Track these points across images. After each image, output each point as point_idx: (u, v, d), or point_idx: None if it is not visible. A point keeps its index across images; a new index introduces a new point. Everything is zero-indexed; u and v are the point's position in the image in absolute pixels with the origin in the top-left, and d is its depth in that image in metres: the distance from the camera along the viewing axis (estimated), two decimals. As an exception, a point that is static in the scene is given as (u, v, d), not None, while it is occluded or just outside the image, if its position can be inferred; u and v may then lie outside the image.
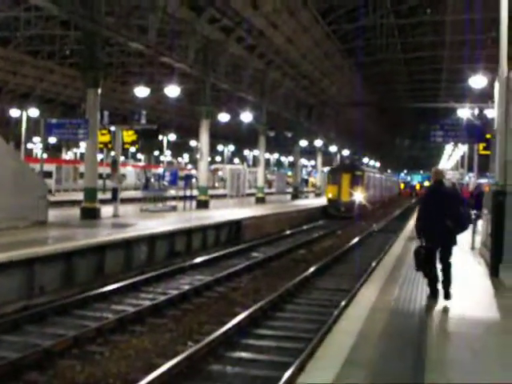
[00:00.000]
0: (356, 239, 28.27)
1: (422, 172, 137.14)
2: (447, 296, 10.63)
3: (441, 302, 10.67)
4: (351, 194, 42.95)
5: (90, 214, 24.03)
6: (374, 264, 19.20)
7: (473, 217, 17.88)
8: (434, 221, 10.55)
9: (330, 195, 44.16)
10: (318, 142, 62.86)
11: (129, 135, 27.26)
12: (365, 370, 6.82)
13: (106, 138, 27.06)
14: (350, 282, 17.38)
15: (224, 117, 44.29)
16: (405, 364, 7.32)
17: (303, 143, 58.74)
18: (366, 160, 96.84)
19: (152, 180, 37.60)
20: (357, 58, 52.44)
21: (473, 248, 18.56)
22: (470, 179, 46.26)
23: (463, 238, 20.13)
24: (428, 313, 10.03)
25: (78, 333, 11.33)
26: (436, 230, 10.56)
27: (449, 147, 66.59)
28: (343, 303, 13.78)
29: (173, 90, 32.79)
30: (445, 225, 10.43)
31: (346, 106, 67.06)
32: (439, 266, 10.84)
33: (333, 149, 71.10)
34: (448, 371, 7.13)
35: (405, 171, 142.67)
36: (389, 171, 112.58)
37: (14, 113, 45.94)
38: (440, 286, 10.76)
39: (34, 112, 42.57)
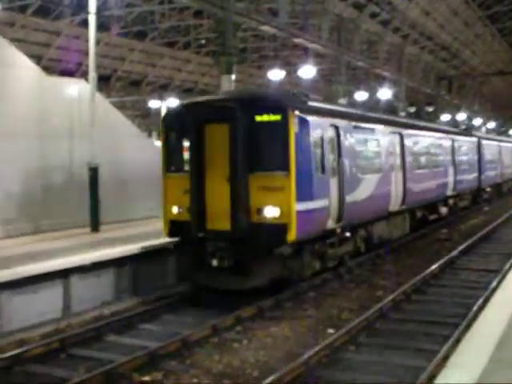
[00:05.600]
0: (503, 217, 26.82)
1: None
2: None
3: None
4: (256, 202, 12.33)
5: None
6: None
7: None
8: None
9: (173, 210, 13.43)
10: (461, 116, 60.61)
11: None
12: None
13: (242, 124, 27.02)
14: (497, 263, 16.41)
15: (362, 95, 43.36)
16: None
17: (445, 117, 56.71)
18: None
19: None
20: (500, 24, 49.89)
21: None
22: None
23: None
24: None
25: (217, 321, 11.26)
26: None
27: None
28: (491, 286, 12.95)
29: (307, 71, 32.44)
30: None
31: (490, 76, 64.17)
32: None
33: (477, 122, 68.28)
34: None
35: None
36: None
37: (154, 104, 47.10)
38: None
39: (173, 102, 43.40)
